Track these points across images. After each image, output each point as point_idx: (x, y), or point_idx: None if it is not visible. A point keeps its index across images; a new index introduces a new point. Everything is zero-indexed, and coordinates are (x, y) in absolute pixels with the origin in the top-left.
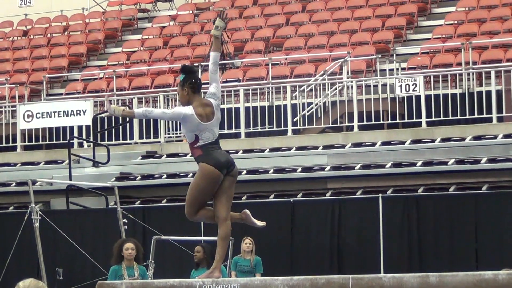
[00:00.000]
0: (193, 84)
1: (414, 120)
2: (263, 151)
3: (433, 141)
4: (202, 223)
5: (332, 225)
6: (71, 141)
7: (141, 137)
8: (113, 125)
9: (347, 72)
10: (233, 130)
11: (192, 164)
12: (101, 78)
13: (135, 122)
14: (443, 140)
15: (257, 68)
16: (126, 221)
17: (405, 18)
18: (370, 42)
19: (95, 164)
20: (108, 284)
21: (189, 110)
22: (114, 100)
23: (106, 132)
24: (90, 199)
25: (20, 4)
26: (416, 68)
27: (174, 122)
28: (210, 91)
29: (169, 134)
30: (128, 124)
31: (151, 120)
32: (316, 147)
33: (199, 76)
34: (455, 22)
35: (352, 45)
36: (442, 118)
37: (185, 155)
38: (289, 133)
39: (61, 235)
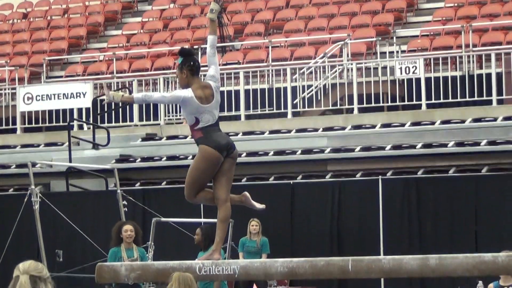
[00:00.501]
0: (192, 67)
1: (414, 102)
2: (263, 133)
3: (433, 123)
4: (202, 205)
5: (332, 207)
6: (71, 123)
7: (141, 119)
8: (113, 107)
9: (347, 55)
10: (233, 113)
11: (192, 146)
12: (101, 61)
13: (135, 105)
14: (443, 122)
15: (257, 51)
16: (126, 203)
17: (405, 0)
18: (370, 24)
19: (95, 146)
20: (108, 266)
21: (188, 92)
22: (114, 83)
23: (106, 114)
24: (90, 181)
25: None
26: (416, 50)
27: (174, 104)
28: (209, 73)
29: (169, 116)
30: (128, 107)
31: (151, 103)
32: (316, 130)
33: (199, 59)
34: (455, 4)
35: (352, 27)
36: (442, 100)
37: (185, 137)
38: (289, 115)
39: (61, 217)
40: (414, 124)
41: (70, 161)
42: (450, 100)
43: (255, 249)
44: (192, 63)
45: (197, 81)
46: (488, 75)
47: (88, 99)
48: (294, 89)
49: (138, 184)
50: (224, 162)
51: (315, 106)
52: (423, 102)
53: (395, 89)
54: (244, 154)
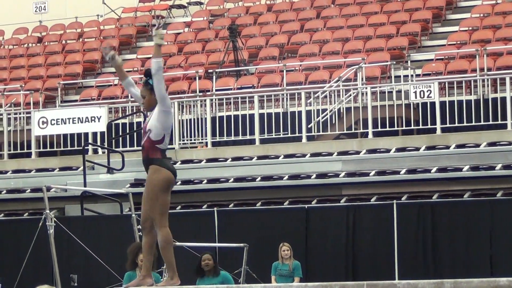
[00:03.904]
0: None
1: (429, 126)
2: (277, 157)
3: (448, 147)
4: (216, 229)
5: (346, 231)
6: (86, 147)
7: None
8: (127, 131)
9: (362, 79)
10: (248, 137)
11: (208, 171)
12: (115, 85)
13: None
14: (458, 146)
15: (272, 75)
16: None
17: (420, 24)
18: (384, 48)
19: (110, 170)
20: None
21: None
22: (128, 107)
23: (120, 138)
24: (104, 205)
25: (35, 11)
26: (430, 74)
27: (189, 129)
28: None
29: (183, 140)
30: (143, 131)
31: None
32: (331, 154)
33: (213, 82)
34: (470, 28)
35: (367, 51)
36: (457, 124)
37: (200, 161)
38: (304, 139)
39: (75, 241)
40: (429, 148)
41: (85, 186)
42: (465, 124)
43: (287, 272)
44: None
45: None
46: (503, 99)
47: (102, 123)
48: (308, 113)
49: None
50: None
51: (330, 130)
52: (438, 126)
53: (410, 113)
54: (259, 178)
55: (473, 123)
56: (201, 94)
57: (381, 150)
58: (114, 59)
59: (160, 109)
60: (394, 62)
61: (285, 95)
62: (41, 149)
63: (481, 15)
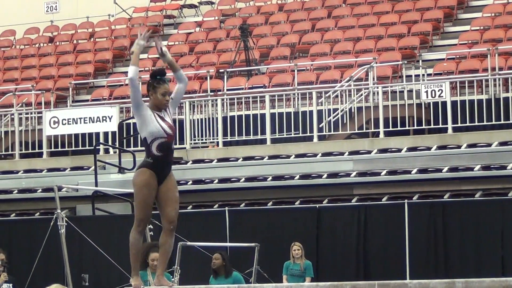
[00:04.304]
0: None
1: (440, 126)
2: (288, 157)
3: (459, 147)
4: (227, 229)
5: (358, 231)
6: (97, 147)
7: None
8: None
9: (373, 78)
10: (259, 136)
11: (219, 170)
12: (127, 85)
13: None
14: (469, 146)
15: (283, 74)
16: (151, 227)
17: (431, 24)
18: (396, 48)
19: (121, 170)
20: None
21: None
22: None
23: (132, 138)
24: (115, 205)
25: (46, 11)
26: (442, 74)
27: (200, 128)
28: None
29: (195, 140)
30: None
31: (177, 126)
32: (342, 153)
33: (225, 83)
34: (481, 27)
35: (378, 51)
36: (468, 124)
37: (211, 161)
38: (315, 139)
39: (87, 241)
40: (440, 147)
41: (96, 185)
42: (476, 123)
43: (298, 272)
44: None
45: None
46: None
47: (114, 123)
48: (320, 112)
49: None
50: None
51: (341, 130)
52: (449, 125)
53: (421, 113)
54: (270, 178)
55: (485, 123)
56: (212, 93)
57: (392, 149)
58: (141, 45)
59: (173, 114)
60: (406, 62)
61: (296, 94)
62: (53, 149)
63: (493, 14)
